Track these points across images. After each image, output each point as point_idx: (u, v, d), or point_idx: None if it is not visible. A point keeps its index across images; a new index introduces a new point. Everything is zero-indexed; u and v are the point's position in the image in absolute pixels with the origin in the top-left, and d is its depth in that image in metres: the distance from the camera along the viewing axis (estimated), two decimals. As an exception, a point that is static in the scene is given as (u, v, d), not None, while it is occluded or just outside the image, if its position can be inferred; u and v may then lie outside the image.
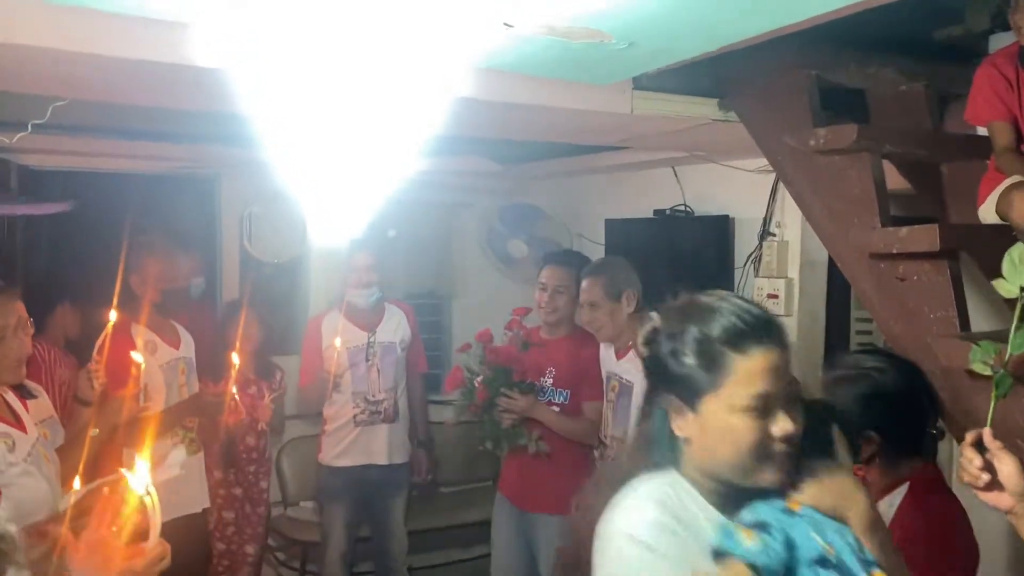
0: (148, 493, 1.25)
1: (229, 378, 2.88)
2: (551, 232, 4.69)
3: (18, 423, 2.09)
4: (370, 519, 3.84)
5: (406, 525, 3.85)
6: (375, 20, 1.71)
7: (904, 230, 2.03)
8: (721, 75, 2.52)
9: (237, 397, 2.94)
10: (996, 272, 1.42)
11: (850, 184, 2.22)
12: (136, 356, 2.50)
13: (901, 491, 1.78)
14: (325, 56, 1.84)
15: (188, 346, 3.21)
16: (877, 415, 1.78)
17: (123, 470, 1.26)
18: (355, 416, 3.62)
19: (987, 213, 2.19)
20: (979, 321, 2.37)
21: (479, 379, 3.13)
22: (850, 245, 2.22)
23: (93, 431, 2.38)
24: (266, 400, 3.30)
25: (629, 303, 3.02)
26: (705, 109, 2.59)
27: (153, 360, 2.98)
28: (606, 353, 3.17)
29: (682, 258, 3.80)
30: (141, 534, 1.28)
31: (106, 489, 1.32)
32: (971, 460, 1.36)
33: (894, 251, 2.07)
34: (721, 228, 3.68)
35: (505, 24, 1.66)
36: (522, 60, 1.98)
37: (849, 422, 1.73)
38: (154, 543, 1.29)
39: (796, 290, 3.42)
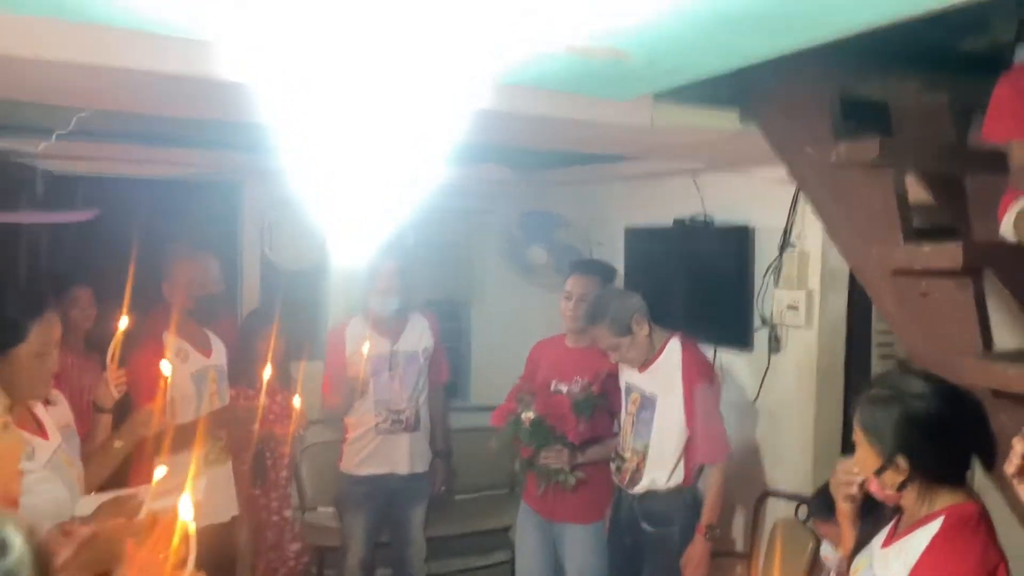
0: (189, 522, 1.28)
1: (262, 389, 2.88)
2: (571, 239, 4.67)
3: (40, 430, 2.10)
4: (390, 527, 3.85)
5: (424, 532, 3.86)
6: (397, 36, 1.72)
7: (927, 247, 2.01)
8: (742, 86, 2.50)
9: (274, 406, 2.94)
10: (1021, 289, 1.40)
11: (872, 199, 2.20)
12: (164, 368, 2.45)
13: (935, 525, 1.70)
14: (348, 72, 1.85)
15: (220, 354, 3.20)
16: (908, 441, 1.70)
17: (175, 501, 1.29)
18: (377, 425, 3.63)
19: (1007, 231, 2.16)
20: (1004, 338, 2.34)
21: (528, 415, 3.13)
22: (872, 260, 2.20)
23: (117, 443, 2.39)
24: (298, 407, 3.31)
25: (640, 326, 3.02)
26: (726, 121, 2.58)
27: (184, 368, 2.97)
28: (625, 365, 3.16)
29: (701, 268, 3.77)
30: (181, 561, 1.30)
31: (168, 513, 1.35)
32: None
33: (917, 268, 2.04)
34: (741, 238, 3.65)
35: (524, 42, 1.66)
36: (542, 76, 1.99)
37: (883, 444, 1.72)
38: (190, 571, 1.31)
39: (817, 301, 3.38)
